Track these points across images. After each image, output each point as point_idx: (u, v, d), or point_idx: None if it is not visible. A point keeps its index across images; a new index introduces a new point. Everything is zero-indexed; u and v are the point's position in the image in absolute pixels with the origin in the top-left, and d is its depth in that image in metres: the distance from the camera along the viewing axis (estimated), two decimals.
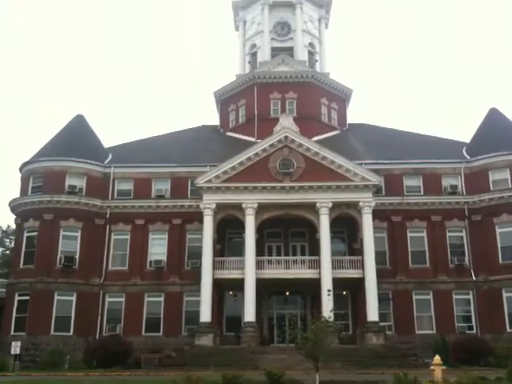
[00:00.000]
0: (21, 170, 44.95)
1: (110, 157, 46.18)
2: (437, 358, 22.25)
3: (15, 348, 36.51)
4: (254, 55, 57.87)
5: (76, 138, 45.52)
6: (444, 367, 22.14)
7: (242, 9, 60.28)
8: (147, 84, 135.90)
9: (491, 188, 42.59)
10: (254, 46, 58.23)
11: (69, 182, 43.17)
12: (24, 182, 44.16)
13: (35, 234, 41.95)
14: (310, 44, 57.78)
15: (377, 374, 27.68)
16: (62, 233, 41.84)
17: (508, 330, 39.24)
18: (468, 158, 44.67)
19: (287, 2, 57.56)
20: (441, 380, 20.03)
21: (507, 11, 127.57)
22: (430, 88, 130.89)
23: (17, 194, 44.22)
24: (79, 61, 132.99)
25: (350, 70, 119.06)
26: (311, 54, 57.52)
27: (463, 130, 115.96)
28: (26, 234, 42.39)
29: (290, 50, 55.93)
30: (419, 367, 30.90)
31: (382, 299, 39.48)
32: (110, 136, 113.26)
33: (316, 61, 57.52)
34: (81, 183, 43.51)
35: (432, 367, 22.22)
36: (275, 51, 55.68)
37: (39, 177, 43.54)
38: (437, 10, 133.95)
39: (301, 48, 56.06)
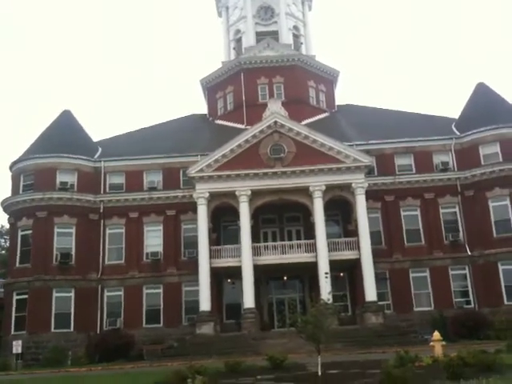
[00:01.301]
0: (11, 168, 44.62)
1: (100, 151, 45.90)
2: (436, 334, 22.51)
3: (16, 347, 36.55)
4: (238, 41, 57.41)
5: (64, 134, 45.16)
6: (444, 343, 22.42)
7: None
8: (133, 75, 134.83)
9: (482, 163, 42.75)
10: (238, 31, 57.75)
11: (60, 178, 42.91)
12: (15, 180, 43.86)
13: (29, 232, 41.77)
14: (295, 27, 57.40)
15: (378, 353, 27.94)
16: (56, 230, 41.67)
17: (505, 302, 39.56)
18: (458, 133, 44.78)
19: None
20: (441, 355, 20.25)
21: None
22: (416, 65, 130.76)
23: (8, 193, 43.95)
24: (61, 53, 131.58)
25: (336, 52, 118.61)
26: (296, 37, 57.17)
27: (452, 106, 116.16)
28: (20, 233, 42.20)
29: (274, 34, 55.55)
30: (419, 344, 31.28)
31: (379, 279, 39.73)
32: (97, 130, 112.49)
33: (301, 44, 57.20)
34: (72, 179, 43.27)
35: (432, 343, 22.49)
36: (260, 36, 55.27)
37: (30, 174, 43.24)
38: None
39: (285, 31, 55.69)
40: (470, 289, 41.32)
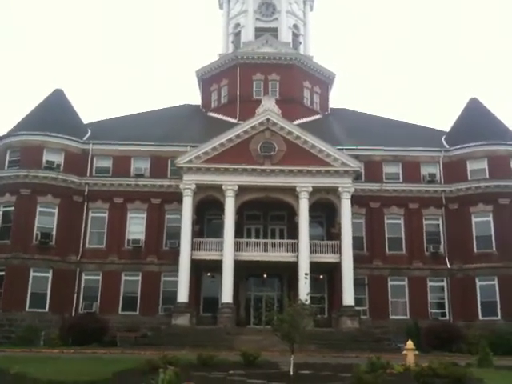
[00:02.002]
0: None
1: (89, 133, 45.49)
2: (409, 343, 22.69)
3: None
4: (237, 35, 57.24)
5: (54, 113, 44.68)
6: (416, 352, 22.57)
7: None
8: (130, 60, 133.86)
9: (469, 177, 43.10)
10: (237, 25, 57.56)
11: (46, 157, 42.48)
12: (0, 156, 43.26)
13: (12, 209, 41.28)
14: (295, 26, 57.36)
15: (351, 357, 28.08)
16: (38, 209, 41.26)
17: (480, 317, 40.01)
18: (447, 147, 45.10)
19: None
20: (413, 364, 20.41)
21: (489, 1, 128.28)
22: (413, 75, 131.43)
23: None
24: (60, 36, 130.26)
25: (334, 54, 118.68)
26: (295, 35, 57.14)
27: (443, 119, 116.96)
28: (2, 209, 41.64)
29: (274, 31, 55.42)
30: (392, 351, 31.45)
31: (358, 284, 39.95)
32: (89, 112, 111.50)
33: (300, 43, 57.20)
34: (59, 159, 42.86)
35: (404, 352, 22.66)
36: (259, 31, 55.11)
37: (16, 151, 42.72)
38: None
39: (285, 29, 55.63)
40: (446, 301, 41.68)
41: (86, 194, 42.90)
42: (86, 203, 42.86)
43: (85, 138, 44.54)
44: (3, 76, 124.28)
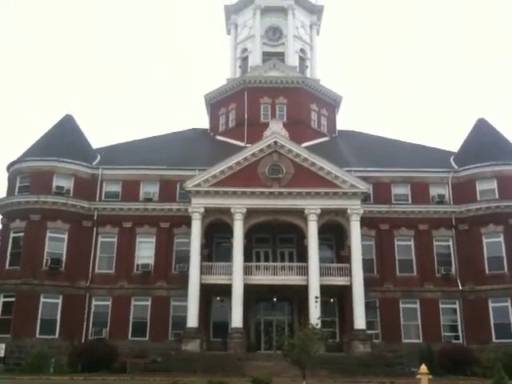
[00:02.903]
0: (8, 169, 44.48)
1: (99, 158, 45.85)
2: (423, 367, 22.30)
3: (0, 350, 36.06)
4: (245, 59, 57.83)
5: (64, 138, 45.11)
6: (430, 376, 22.21)
7: (234, 12, 60.22)
8: (138, 85, 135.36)
9: (478, 198, 42.90)
10: (245, 50, 58.20)
11: (56, 182, 42.75)
12: (11, 181, 43.68)
13: (21, 234, 41.44)
14: (302, 50, 57.90)
15: (363, 382, 27.75)
16: (48, 234, 41.40)
17: (494, 340, 39.46)
18: (456, 167, 45.00)
19: (279, 7, 57.62)
20: None
21: (496, 23, 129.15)
22: (419, 96, 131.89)
23: (3, 193, 43.76)
24: (71, 60, 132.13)
25: (340, 77, 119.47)
26: (302, 59, 57.63)
27: (451, 140, 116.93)
28: (12, 235, 41.86)
29: (281, 56, 55.96)
30: (406, 376, 31.10)
31: (369, 307, 39.61)
32: (99, 137, 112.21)
33: (307, 67, 57.67)
34: (68, 184, 43.12)
35: (418, 376, 22.27)
36: (266, 56, 55.67)
37: (26, 177, 43.06)
38: (427, 19, 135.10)
39: (292, 53, 56.15)
40: (459, 323, 41.15)
41: (95, 218, 43.03)
42: (95, 228, 42.96)
43: (94, 163, 44.87)
44: (9, 101, 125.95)
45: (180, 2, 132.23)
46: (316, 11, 60.33)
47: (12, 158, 44.64)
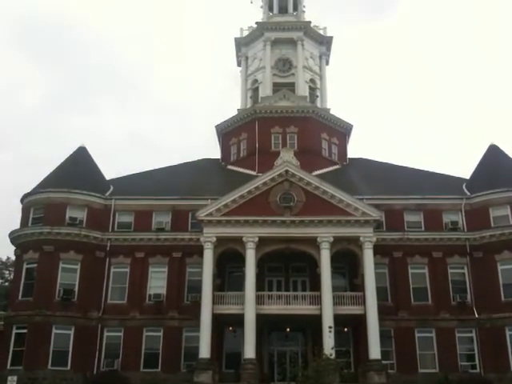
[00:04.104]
0: (22, 201, 44.97)
1: (112, 189, 46.21)
2: None
3: (11, 383, 35.89)
4: (255, 90, 58.49)
5: (77, 170, 45.64)
6: None
7: (245, 45, 61.19)
8: (150, 116, 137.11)
9: (492, 224, 42.54)
10: (255, 81, 58.92)
11: (69, 213, 43.08)
12: (25, 213, 44.09)
13: (34, 265, 41.66)
14: (311, 80, 58.49)
15: None
16: (61, 265, 41.55)
17: None
18: (468, 194, 44.76)
19: (289, 39, 58.44)
20: None
21: (506, 45, 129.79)
22: (429, 123, 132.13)
23: (17, 225, 44.07)
24: (86, 88, 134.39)
25: (351, 105, 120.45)
26: (312, 89, 58.17)
27: (463, 166, 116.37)
28: (25, 266, 42.10)
29: (291, 86, 56.51)
30: None
31: (384, 336, 38.96)
32: (111, 169, 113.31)
33: (317, 96, 58.17)
34: (81, 215, 43.41)
35: None
36: (276, 86, 56.26)
37: (40, 208, 43.45)
38: (435, 46, 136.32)
39: (302, 84, 56.71)
40: (476, 352, 40.35)
41: (107, 249, 43.17)
42: (107, 258, 43.07)
43: (107, 194, 45.22)
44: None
45: (189, 35, 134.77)
46: (325, 42, 61.09)
47: (25, 189, 44.96)
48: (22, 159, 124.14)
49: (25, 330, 39.59)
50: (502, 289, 40.76)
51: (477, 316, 40.87)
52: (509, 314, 39.58)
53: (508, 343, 39.40)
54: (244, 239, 39.40)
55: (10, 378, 36.28)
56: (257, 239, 39.38)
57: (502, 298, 40.59)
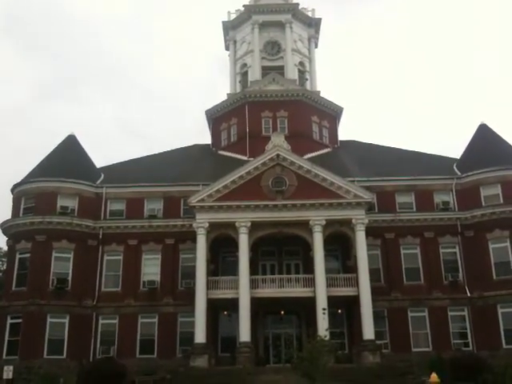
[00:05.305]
0: (12, 191, 44.69)
1: (102, 177, 46.03)
2: (433, 376, 22.32)
3: (8, 372, 35.87)
4: (244, 74, 58.14)
5: (68, 159, 45.38)
6: None
7: (232, 29, 60.64)
8: (139, 104, 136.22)
9: (483, 204, 42.83)
10: (244, 65, 58.53)
11: (61, 202, 42.91)
12: (16, 203, 43.86)
13: (27, 255, 41.57)
14: (301, 63, 58.18)
15: None
16: (54, 254, 41.48)
17: (504, 346, 39.17)
18: (459, 174, 44.98)
19: (277, 22, 57.99)
20: None
21: (495, 28, 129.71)
22: (418, 104, 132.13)
23: (8, 215, 43.89)
24: (73, 78, 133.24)
25: (341, 88, 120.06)
26: (301, 72, 57.90)
27: (452, 146, 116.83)
28: (18, 256, 41.99)
29: (280, 69, 56.21)
30: None
31: (378, 317, 39.33)
32: (102, 158, 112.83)
33: (306, 79, 57.93)
34: (73, 204, 43.25)
35: None
36: (266, 70, 55.91)
37: (31, 198, 43.23)
38: (426, 26, 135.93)
39: (291, 67, 56.41)
40: (468, 330, 40.89)
41: (100, 237, 43.11)
42: (100, 246, 43.03)
43: (98, 182, 45.04)
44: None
45: (176, 20, 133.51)
46: (313, 24, 60.69)
47: (15, 179, 44.70)
48: (11, 149, 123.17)
49: (19, 320, 39.60)
50: (493, 267, 41.15)
51: (469, 294, 41.31)
52: (500, 292, 40.01)
53: (500, 320, 39.88)
54: (237, 224, 39.45)
55: (6, 367, 36.20)
56: (249, 224, 39.43)
57: (494, 277, 41.01)
